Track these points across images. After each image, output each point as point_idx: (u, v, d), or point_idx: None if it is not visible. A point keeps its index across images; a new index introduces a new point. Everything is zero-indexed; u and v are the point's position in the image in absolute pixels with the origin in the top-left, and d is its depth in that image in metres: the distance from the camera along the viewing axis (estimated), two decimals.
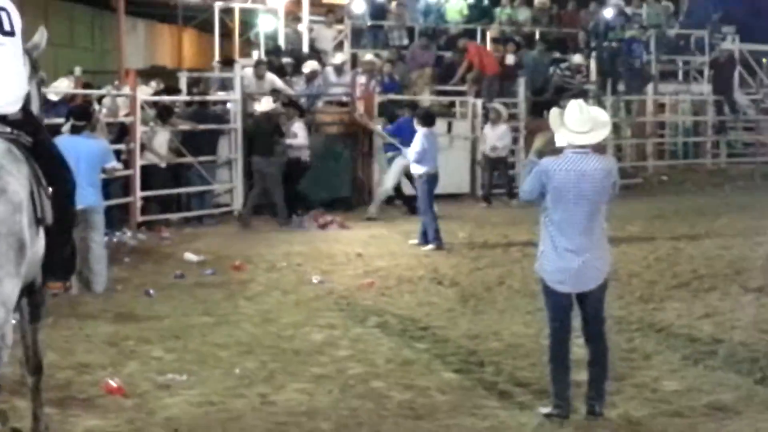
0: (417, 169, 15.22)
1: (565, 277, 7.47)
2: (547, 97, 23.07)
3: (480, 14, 25.51)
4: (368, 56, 21.49)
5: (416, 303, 11.46)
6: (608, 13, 25.72)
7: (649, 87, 24.32)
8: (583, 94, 22.74)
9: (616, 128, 22.06)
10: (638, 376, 8.51)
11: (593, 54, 24.58)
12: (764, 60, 26.73)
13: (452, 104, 22.22)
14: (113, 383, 8.03)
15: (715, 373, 8.56)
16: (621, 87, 23.90)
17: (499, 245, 15.10)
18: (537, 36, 25.35)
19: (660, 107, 24.65)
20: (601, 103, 21.56)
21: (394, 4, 24.47)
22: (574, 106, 7.52)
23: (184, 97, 18.92)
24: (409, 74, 22.13)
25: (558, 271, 7.48)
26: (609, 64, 24.27)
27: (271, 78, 19.67)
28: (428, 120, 15.68)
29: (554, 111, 7.62)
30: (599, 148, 7.90)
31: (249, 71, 19.54)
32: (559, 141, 7.50)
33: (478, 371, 8.74)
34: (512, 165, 21.08)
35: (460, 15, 25.09)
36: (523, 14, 26.21)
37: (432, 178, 15.20)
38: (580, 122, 7.38)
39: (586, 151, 7.41)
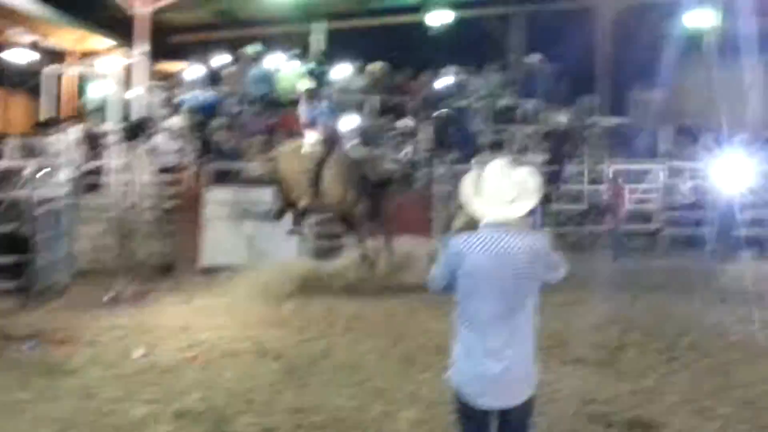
0: None
1: (483, 388, 6.10)
2: None
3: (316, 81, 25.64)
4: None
5: (240, 376, 11.30)
6: (442, 82, 26.12)
7: (481, 157, 24.65)
8: (412, 163, 23.03)
9: (449, 198, 22.32)
10: None
11: (426, 123, 24.90)
12: (587, 132, 27.39)
13: None
14: None
15: None
16: (453, 156, 24.19)
17: (324, 317, 15.00)
18: (371, 104, 25.65)
19: None
20: (432, 173, 21.92)
21: (227, 71, 24.49)
22: (495, 168, 6.14)
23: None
24: (242, 142, 22.14)
25: (475, 380, 6.11)
26: (441, 134, 24.57)
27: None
28: None
29: (469, 176, 6.24)
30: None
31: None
32: (477, 213, 6.16)
33: None
34: None
35: (294, 83, 25.20)
36: (357, 82, 26.46)
37: None
38: (501, 190, 6.04)
39: (508, 225, 6.06)
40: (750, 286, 16.39)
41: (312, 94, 18.54)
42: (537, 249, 6.09)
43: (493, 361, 6.02)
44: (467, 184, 6.19)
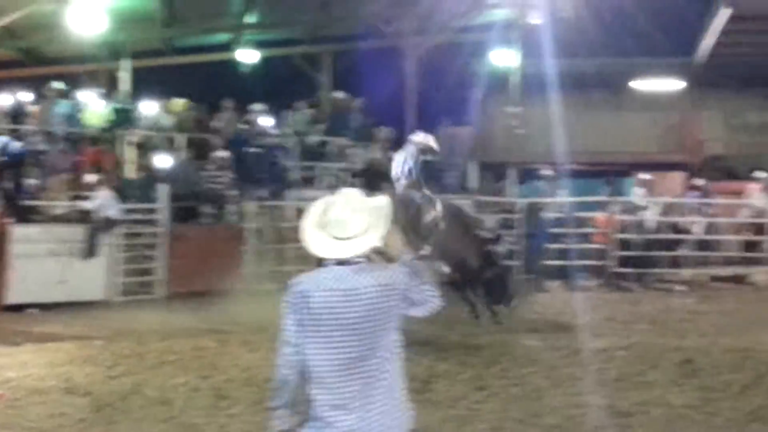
0: None
1: None
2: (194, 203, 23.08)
3: (123, 119, 25.32)
4: None
5: (47, 414, 10.93)
6: (251, 118, 26.11)
7: (291, 193, 24.66)
8: (222, 199, 22.90)
9: (259, 234, 22.28)
10: None
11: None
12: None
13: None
14: None
15: None
16: (263, 193, 24.13)
17: (134, 353, 14.65)
18: (182, 141, 25.49)
19: (300, 213, 25.00)
20: (242, 209, 21.87)
21: (34, 108, 24.00)
22: (341, 198, 5.26)
23: None
24: (47, 180, 21.67)
25: None
26: (251, 170, 24.49)
27: None
28: None
29: (316, 205, 5.27)
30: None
31: None
32: (318, 251, 5.18)
33: None
34: None
35: (103, 120, 24.84)
36: (167, 119, 26.25)
37: None
38: (345, 224, 5.15)
39: (359, 261, 5.17)
40: (557, 315, 16.77)
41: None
42: (390, 283, 5.19)
43: (343, 415, 5.07)
44: (312, 214, 5.23)
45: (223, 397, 11.72)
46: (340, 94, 27.96)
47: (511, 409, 11.17)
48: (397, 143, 27.38)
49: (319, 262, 5.26)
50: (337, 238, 5.14)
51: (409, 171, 16.61)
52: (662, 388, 12.14)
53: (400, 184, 16.51)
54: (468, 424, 10.65)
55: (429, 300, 5.38)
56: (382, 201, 5.39)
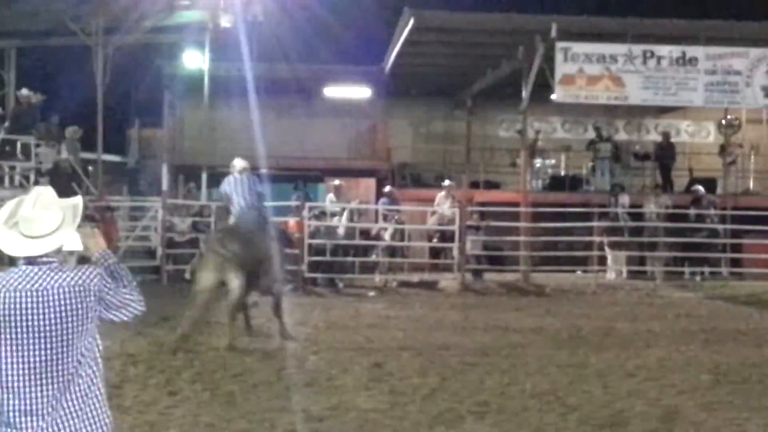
0: None
1: None
2: None
3: None
4: None
5: None
6: None
7: None
8: None
9: None
10: None
11: None
12: (90, 168, 27.12)
13: None
14: None
15: None
16: None
17: None
18: None
19: None
20: None
21: None
22: (32, 196, 5.08)
23: None
24: None
25: None
26: None
27: None
28: None
29: (7, 204, 5.11)
30: None
31: None
32: (7, 249, 5.02)
33: None
34: None
35: None
36: None
37: None
38: (34, 222, 4.99)
39: (50, 261, 4.99)
40: (250, 319, 16.68)
41: None
42: (88, 285, 5.05)
43: (30, 422, 4.89)
44: (1, 213, 5.08)
45: None
46: (25, 92, 27.00)
47: (202, 414, 11.04)
48: (86, 143, 26.85)
49: (11, 262, 5.08)
50: (26, 236, 4.97)
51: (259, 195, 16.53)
52: (353, 392, 12.28)
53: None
54: (159, 429, 10.47)
55: (129, 304, 5.22)
56: (75, 200, 5.24)
